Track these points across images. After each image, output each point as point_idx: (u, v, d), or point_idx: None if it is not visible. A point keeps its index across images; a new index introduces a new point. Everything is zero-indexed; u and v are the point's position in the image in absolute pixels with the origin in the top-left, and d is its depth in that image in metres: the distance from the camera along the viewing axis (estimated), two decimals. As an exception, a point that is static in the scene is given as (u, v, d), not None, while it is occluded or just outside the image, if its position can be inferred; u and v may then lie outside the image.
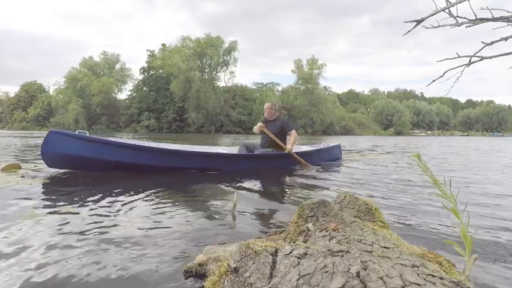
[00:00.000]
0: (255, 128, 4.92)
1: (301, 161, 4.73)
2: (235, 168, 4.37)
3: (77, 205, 2.38)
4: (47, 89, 66.16)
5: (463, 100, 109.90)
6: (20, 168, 3.98)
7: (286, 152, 4.65)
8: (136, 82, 57.66)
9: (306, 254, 0.72)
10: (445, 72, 1.73)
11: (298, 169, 4.91)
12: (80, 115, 53.10)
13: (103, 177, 3.64)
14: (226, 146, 6.02)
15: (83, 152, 3.69)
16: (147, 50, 68.29)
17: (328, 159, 5.56)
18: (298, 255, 0.72)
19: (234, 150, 5.25)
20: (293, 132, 4.88)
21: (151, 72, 54.75)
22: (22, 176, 3.51)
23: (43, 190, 2.91)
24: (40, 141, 10.86)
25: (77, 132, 3.77)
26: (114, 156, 3.77)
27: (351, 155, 8.02)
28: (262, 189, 3.15)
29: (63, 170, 3.88)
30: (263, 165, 4.63)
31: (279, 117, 5.02)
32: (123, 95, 58.90)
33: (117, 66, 59.24)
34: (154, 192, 2.91)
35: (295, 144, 4.95)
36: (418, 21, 1.62)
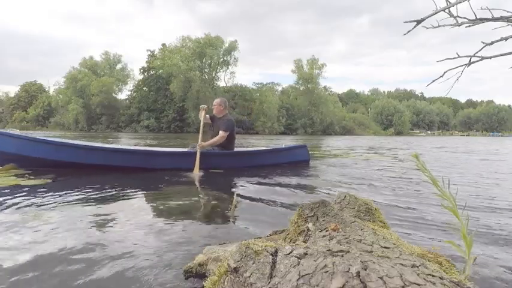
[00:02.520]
0: (200, 114, 4.62)
1: (196, 164, 4.13)
2: (159, 167, 4.16)
3: (76, 205, 2.37)
4: (47, 89, 66.19)
5: (463, 100, 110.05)
6: (16, 168, 3.98)
7: (198, 147, 4.28)
8: (136, 82, 57.69)
9: (306, 254, 0.72)
10: (445, 72, 1.73)
11: (297, 169, 4.90)
12: (80, 115, 53.11)
13: (101, 177, 3.64)
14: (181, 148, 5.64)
15: (11, 149, 3.90)
16: (147, 50, 68.25)
17: (290, 160, 5.19)
18: (298, 255, 0.72)
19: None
20: (220, 133, 4.46)
21: (151, 72, 54.75)
22: (18, 177, 3.51)
23: (41, 190, 2.91)
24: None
25: (8, 131, 3.91)
26: (34, 152, 3.92)
27: (351, 155, 8.03)
28: (262, 190, 3.15)
29: (60, 171, 3.86)
30: (185, 164, 4.24)
31: (226, 116, 4.67)
32: (123, 95, 58.89)
33: (119, 66, 59.29)
34: (154, 192, 2.91)
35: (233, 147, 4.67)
36: (418, 21, 1.62)
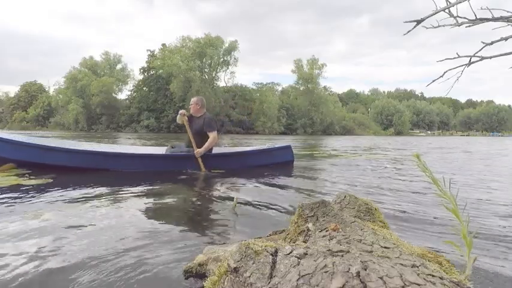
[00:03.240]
0: (178, 118, 4.51)
1: (202, 167, 4.21)
2: (127, 169, 4.06)
3: (76, 205, 2.38)
4: (47, 89, 66.16)
5: (463, 100, 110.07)
6: (16, 168, 3.99)
7: (197, 154, 4.23)
8: (136, 82, 57.68)
9: (306, 254, 0.72)
10: (445, 72, 1.73)
11: (296, 169, 4.90)
12: (80, 115, 53.08)
13: (100, 176, 3.64)
14: (158, 147, 5.54)
15: None
16: (147, 50, 68.21)
17: (272, 161, 4.98)
18: (298, 255, 0.72)
19: (162, 151, 4.81)
20: (212, 134, 4.33)
21: (151, 72, 54.74)
22: (19, 176, 3.52)
23: (42, 190, 2.91)
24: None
25: None
26: None
27: (351, 155, 8.02)
28: (262, 190, 3.15)
29: (61, 171, 3.86)
30: (155, 166, 4.21)
31: (205, 115, 4.51)
32: (123, 95, 58.88)
33: (119, 66, 59.29)
34: (154, 193, 2.91)
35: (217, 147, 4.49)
36: (418, 21, 1.62)
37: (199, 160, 4.24)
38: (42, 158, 3.93)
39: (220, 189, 3.20)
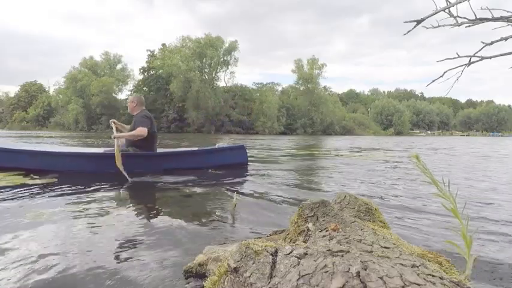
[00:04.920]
0: (110, 121, 4.37)
1: (117, 155, 3.70)
2: (55, 169, 3.88)
3: (78, 204, 2.38)
4: (47, 89, 66.17)
5: (463, 100, 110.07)
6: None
7: (112, 136, 3.92)
8: (136, 82, 57.69)
9: (306, 254, 0.72)
10: (445, 72, 1.73)
11: (296, 169, 4.90)
12: (80, 115, 53.07)
13: (104, 176, 3.64)
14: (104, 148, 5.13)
15: None
16: (147, 50, 68.30)
17: (223, 163, 4.63)
18: (298, 255, 0.72)
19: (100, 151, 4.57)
20: (138, 129, 4.03)
21: (151, 73, 54.75)
22: (24, 176, 3.54)
23: (46, 189, 2.92)
24: (39, 141, 10.85)
25: None
26: None
27: (351, 155, 8.03)
28: (262, 190, 3.15)
29: (60, 172, 3.87)
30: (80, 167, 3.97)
31: (140, 113, 4.25)
32: (123, 95, 58.83)
33: (119, 66, 59.30)
34: (154, 193, 2.91)
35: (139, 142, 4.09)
36: (418, 21, 1.62)
37: (116, 146, 3.77)
38: None
39: (220, 189, 3.20)
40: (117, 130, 4.15)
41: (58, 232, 1.77)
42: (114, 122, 4.29)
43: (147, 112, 4.30)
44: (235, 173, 4.20)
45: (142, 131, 4.01)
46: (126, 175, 3.50)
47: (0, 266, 1.34)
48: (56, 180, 3.40)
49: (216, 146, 4.91)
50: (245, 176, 3.96)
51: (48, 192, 2.84)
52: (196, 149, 5.15)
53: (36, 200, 2.53)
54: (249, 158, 5.09)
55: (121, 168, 3.57)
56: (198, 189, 3.14)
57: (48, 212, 2.17)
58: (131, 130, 4.12)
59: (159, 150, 4.57)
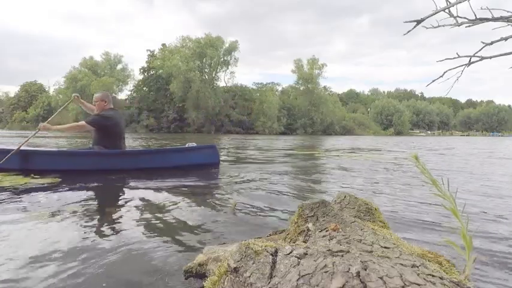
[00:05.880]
0: (73, 94, 4.33)
1: (18, 146, 3.71)
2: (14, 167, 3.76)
3: (80, 204, 2.38)
4: (47, 89, 66.13)
5: (463, 100, 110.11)
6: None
7: (38, 129, 3.82)
8: (136, 82, 57.70)
9: (306, 254, 0.72)
10: (445, 72, 1.73)
11: (296, 168, 4.90)
12: (80, 115, 52.83)
13: (103, 176, 3.64)
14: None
15: None
16: (147, 50, 68.14)
17: (192, 162, 4.47)
18: (298, 255, 0.72)
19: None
20: (82, 121, 4.02)
21: (151, 72, 54.76)
22: (27, 175, 3.55)
23: (48, 189, 2.92)
24: (39, 141, 10.85)
25: None
26: None
27: (351, 155, 8.03)
28: (262, 190, 3.15)
29: (61, 172, 3.87)
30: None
31: (104, 112, 4.13)
32: (123, 95, 58.84)
33: (119, 66, 59.31)
34: (154, 193, 2.91)
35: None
36: (418, 21, 1.62)
37: (29, 136, 3.72)
38: None
39: (220, 189, 3.20)
40: (82, 104, 4.29)
41: (57, 232, 1.77)
42: (76, 98, 4.25)
43: (110, 112, 4.15)
44: (234, 173, 4.20)
45: (80, 125, 4.01)
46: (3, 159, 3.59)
47: (1, 266, 1.34)
48: (60, 180, 3.42)
49: (186, 146, 4.69)
50: (245, 176, 3.96)
51: (50, 192, 2.85)
52: (163, 148, 4.96)
53: (38, 199, 2.53)
54: (249, 158, 5.07)
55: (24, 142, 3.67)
56: (198, 190, 3.14)
57: (49, 212, 2.17)
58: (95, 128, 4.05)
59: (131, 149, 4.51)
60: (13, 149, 3.76)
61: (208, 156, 4.66)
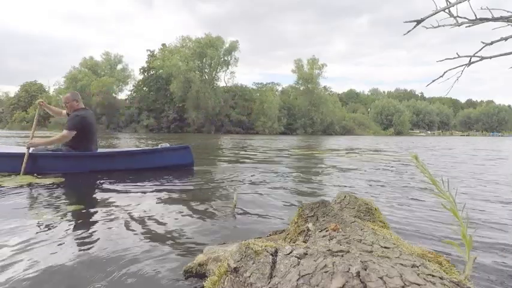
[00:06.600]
0: (38, 101, 4.24)
1: (23, 167, 3.66)
2: None
3: (82, 204, 2.38)
4: (47, 89, 66.11)
5: (463, 100, 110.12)
6: None
7: (27, 145, 3.80)
8: (136, 82, 57.71)
9: (306, 254, 0.72)
10: (445, 72, 1.73)
11: (296, 168, 4.90)
12: (80, 115, 53.02)
13: (105, 177, 3.64)
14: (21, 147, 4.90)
15: None
16: (147, 50, 68.28)
17: (166, 164, 4.39)
18: (298, 255, 0.72)
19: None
20: (63, 132, 3.88)
21: (151, 72, 54.76)
22: (31, 175, 3.58)
23: (50, 189, 2.92)
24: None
25: None
26: None
27: (351, 155, 8.03)
28: (261, 190, 3.15)
29: (64, 173, 3.88)
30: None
31: (76, 111, 4.03)
32: (123, 94, 58.88)
33: (119, 66, 59.36)
34: (154, 193, 2.91)
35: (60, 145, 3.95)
36: (418, 21, 1.62)
37: (26, 155, 3.68)
38: None
39: (220, 189, 3.20)
40: (48, 109, 4.18)
41: (57, 231, 1.77)
42: (41, 104, 4.11)
43: (84, 111, 4.08)
44: (234, 173, 4.20)
45: (64, 136, 3.86)
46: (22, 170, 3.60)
47: (3, 266, 1.34)
48: (64, 179, 3.45)
49: (159, 146, 4.59)
50: (245, 176, 3.96)
51: (54, 191, 2.86)
52: (134, 149, 4.84)
53: (41, 199, 2.55)
54: (250, 158, 5.05)
55: (24, 164, 3.62)
56: (198, 190, 3.14)
57: (49, 212, 2.17)
58: (63, 129, 3.95)
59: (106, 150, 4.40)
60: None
61: (181, 157, 4.55)
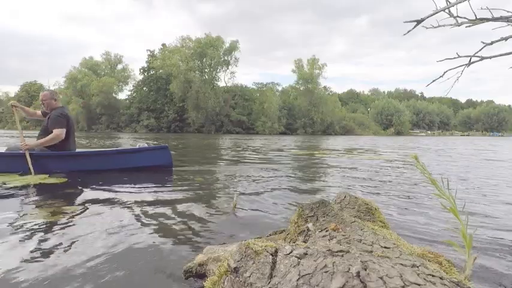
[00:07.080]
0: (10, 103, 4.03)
1: (30, 167, 3.69)
2: None
3: (82, 205, 2.38)
4: (47, 89, 66.19)
5: (463, 100, 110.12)
6: None
7: (22, 150, 3.74)
8: (136, 82, 57.75)
9: (306, 254, 0.72)
10: (445, 72, 1.73)
11: (296, 168, 4.90)
12: (80, 115, 53.09)
13: (102, 178, 3.65)
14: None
15: None
16: (147, 50, 68.38)
17: (144, 164, 4.29)
18: (298, 255, 0.72)
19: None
20: (54, 131, 3.81)
21: (151, 73, 54.80)
22: (23, 175, 3.56)
23: (54, 189, 2.93)
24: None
25: None
26: None
27: (351, 155, 8.03)
28: (261, 190, 3.15)
29: (68, 172, 3.88)
30: None
31: (57, 110, 3.96)
32: (123, 95, 59.03)
33: (119, 66, 59.41)
34: (154, 193, 2.91)
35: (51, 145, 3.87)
36: (418, 21, 1.62)
37: (27, 157, 3.67)
38: None
39: (219, 189, 3.20)
40: (23, 110, 4.02)
41: (58, 231, 1.77)
42: (14, 106, 3.91)
43: (63, 109, 4.02)
44: (234, 173, 4.20)
45: (58, 135, 3.81)
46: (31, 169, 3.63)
47: (4, 266, 1.34)
48: (67, 179, 3.45)
49: (137, 146, 4.46)
50: (245, 176, 3.96)
51: (56, 191, 2.86)
52: (109, 149, 4.74)
53: (43, 199, 2.54)
54: (250, 158, 5.05)
55: (29, 164, 3.65)
56: (198, 190, 3.14)
57: (54, 211, 2.17)
58: (44, 128, 3.89)
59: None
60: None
61: (159, 158, 4.42)
